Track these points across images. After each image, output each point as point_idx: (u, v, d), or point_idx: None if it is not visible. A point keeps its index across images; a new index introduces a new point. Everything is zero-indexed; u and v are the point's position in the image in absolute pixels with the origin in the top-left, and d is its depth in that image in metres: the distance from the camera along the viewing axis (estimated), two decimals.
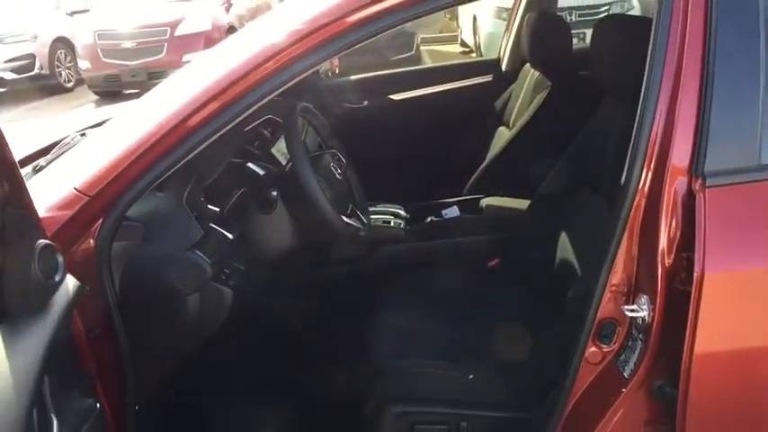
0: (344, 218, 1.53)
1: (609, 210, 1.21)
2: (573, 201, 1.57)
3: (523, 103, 2.46)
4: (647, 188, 1.07)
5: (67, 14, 8.85)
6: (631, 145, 1.09)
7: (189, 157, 1.17)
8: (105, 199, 1.14)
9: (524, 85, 2.50)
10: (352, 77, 3.00)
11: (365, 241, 1.86)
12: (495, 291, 1.76)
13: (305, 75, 1.18)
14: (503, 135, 2.53)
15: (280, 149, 1.79)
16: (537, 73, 2.40)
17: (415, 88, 2.85)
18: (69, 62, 8.63)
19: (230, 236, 1.37)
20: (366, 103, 2.83)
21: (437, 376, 1.45)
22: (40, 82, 8.42)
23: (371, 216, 1.84)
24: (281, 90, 1.17)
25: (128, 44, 7.56)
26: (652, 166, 1.07)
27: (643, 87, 1.08)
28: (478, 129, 2.65)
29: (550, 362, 1.33)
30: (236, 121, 1.18)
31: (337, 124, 2.27)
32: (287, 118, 1.49)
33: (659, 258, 1.04)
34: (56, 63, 8.57)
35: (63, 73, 8.65)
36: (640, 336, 1.10)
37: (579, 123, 1.68)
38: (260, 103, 1.17)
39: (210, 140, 1.17)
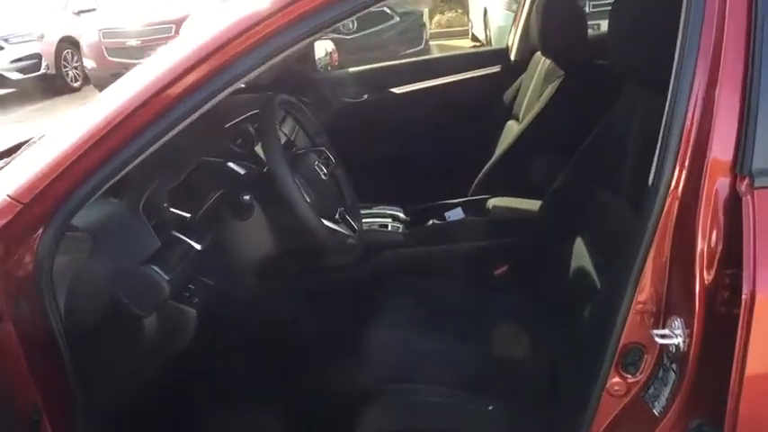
0: (330, 223, 1.37)
1: (632, 213, 1.08)
2: (590, 202, 1.43)
3: (534, 95, 2.33)
4: (680, 190, 0.94)
5: (74, 14, 8.88)
6: (660, 139, 0.95)
7: (145, 153, 1.02)
8: (44, 206, 1.01)
9: (535, 75, 2.37)
10: (351, 70, 2.88)
11: (357, 248, 1.70)
12: (503, 302, 1.61)
13: (284, 54, 1.03)
14: (512, 129, 2.40)
15: None
16: (548, 62, 2.26)
17: (418, 80, 2.74)
18: (76, 62, 8.63)
19: (198, 246, 1.22)
20: (366, 96, 2.71)
21: (438, 404, 1.30)
22: (47, 82, 8.42)
23: (367, 219, 1.69)
24: (258, 70, 1.02)
25: (133, 42, 7.56)
26: (686, 163, 0.93)
27: (674, 71, 0.94)
28: (485, 123, 2.53)
29: (566, 390, 1.17)
30: (203, 109, 1.03)
31: (335, 120, 2.15)
32: (263, 110, 1.33)
33: (697, 274, 0.89)
34: (62, 63, 8.55)
35: (70, 72, 8.63)
36: (673, 366, 0.96)
37: (596, 115, 1.53)
38: (231, 88, 1.03)
39: (173, 133, 1.02)
